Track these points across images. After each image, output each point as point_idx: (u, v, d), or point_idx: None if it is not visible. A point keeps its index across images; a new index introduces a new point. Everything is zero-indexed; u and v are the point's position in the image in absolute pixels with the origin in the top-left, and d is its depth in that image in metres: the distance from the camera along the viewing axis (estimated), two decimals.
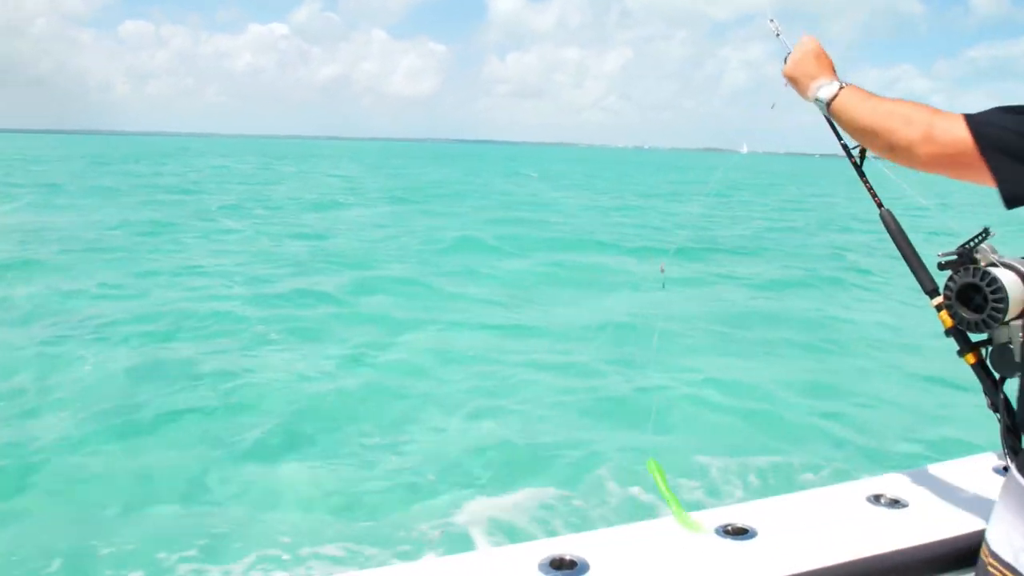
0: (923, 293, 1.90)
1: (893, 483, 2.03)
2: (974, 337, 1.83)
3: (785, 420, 8.09)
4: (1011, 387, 1.80)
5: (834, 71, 1.71)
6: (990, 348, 1.81)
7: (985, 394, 1.83)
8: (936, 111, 1.48)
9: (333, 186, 42.35)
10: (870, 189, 1.98)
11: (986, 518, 1.71)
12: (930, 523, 1.83)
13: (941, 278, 1.86)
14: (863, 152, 1.98)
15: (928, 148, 1.44)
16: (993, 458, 2.16)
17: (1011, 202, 1.40)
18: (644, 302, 12.76)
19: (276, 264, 16.70)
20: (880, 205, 1.97)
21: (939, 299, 1.83)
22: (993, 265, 1.77)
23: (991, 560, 1.51)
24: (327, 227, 23.48)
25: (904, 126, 1.47)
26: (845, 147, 1.99)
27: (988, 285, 1.75)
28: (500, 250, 19.44)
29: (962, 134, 1.40)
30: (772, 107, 2.01)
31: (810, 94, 1.71)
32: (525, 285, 15.08)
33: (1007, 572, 1.46)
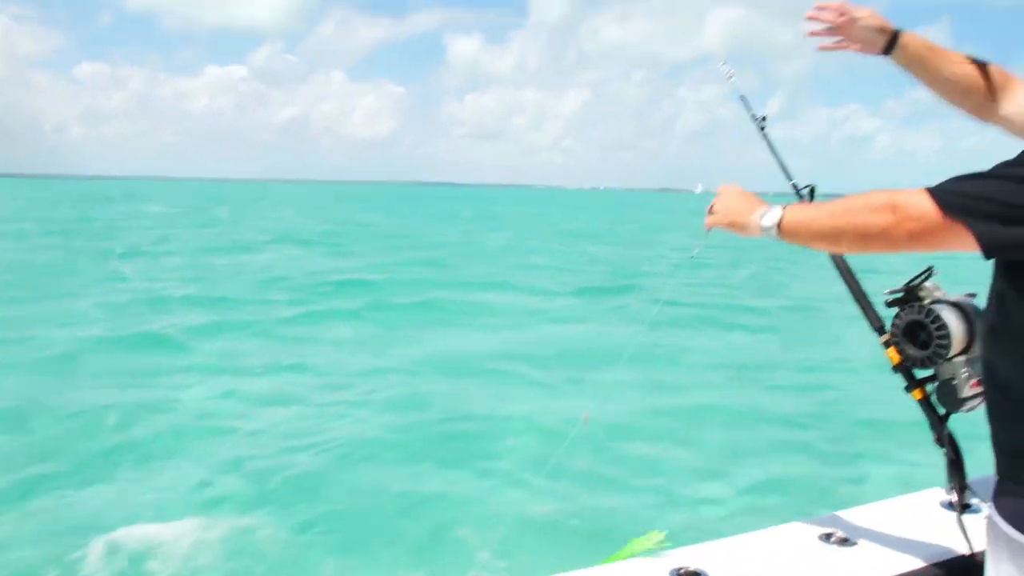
0: (872, 330, 1.94)
1: (843, 521, 2.05)
2: (920, 373, 1.87)
3: (734, 458, 8.14)
4: (956, 422, 1.84)
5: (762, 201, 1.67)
6: (936, 384, 1.84)
7: (931, 429, 1.86)
8: (891, 190, 1.48)
9: (257, 229, 41.41)
10: None
11: (934, 554, 1.73)
12: (879, 561, 1.85)
13: (889, 316, 1.90)
14: (812, 191, 2.03)
15: (905, 226, 1.42)
16: (940, 493, 2.19)
17: (991, 251, 1.39)
18: (510, 339, 12.73)
19: (141, 308, 16.36)
20: None
21: (886, 336, 1.87)
22: (937, 302, 1.82)
23: None
24: (218, 271, 23.11)
25: (870, 215, 1.46)
26: (795, 186, 2.04)
27: (932, 322, 1.80)
28: (381, 290, 19.14)
29: (927, 205, 1.40)
30: (692, 255, 2.10)
31: (754, 227, 1.64)
32: (390, 325, 14.95)
33: None
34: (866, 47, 1.93)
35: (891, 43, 1.90)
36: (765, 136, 2.08)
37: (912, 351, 1.83)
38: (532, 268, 24.45)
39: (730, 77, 2.08)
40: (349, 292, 18.76)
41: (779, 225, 1.58)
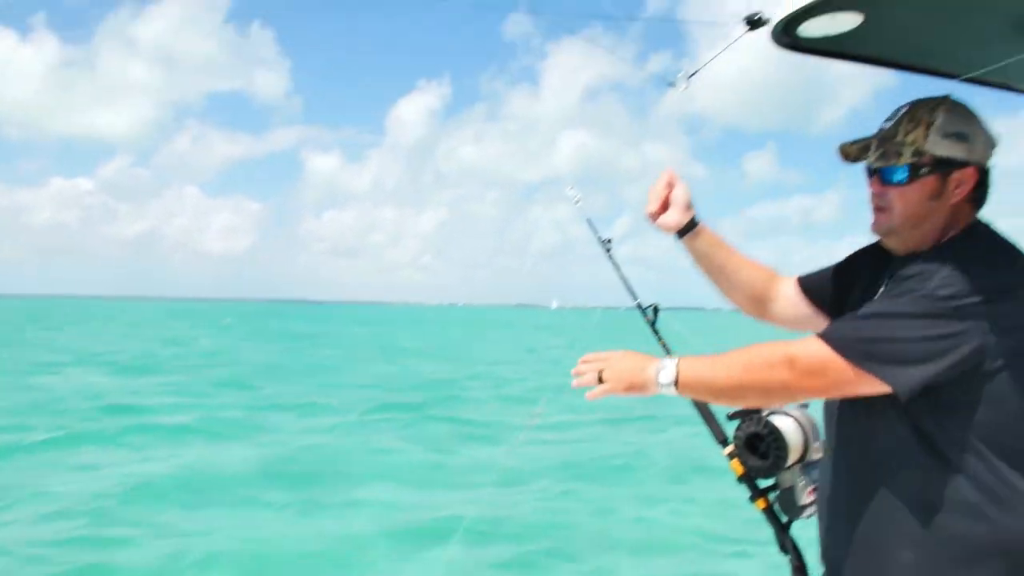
0: (716, 443, 2.01)
1: None
2: (763, 483, 1.95)
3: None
4: (798, 528, 1.92)
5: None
6: (777, 493, 1.92)
7: (776, 537, 1.93)
8: (785, 343, 1.49)
9: (57, 349, 36.93)
10: (662, 342, 2.12)
11: None
12: None
13: (731, 428, 1.99)
14: (655, 310, 2.13)
15: (806, 382, 1.45)
16: None
17: (910, 394, 1.42)
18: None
19: None
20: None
21: (730, 448, 1.95)
22: (774, 414, 1.92)
23: None
24: None
25: (770, 371, 1.47)
26: (639, 305, 2.14)
27: (770, 433, 1.89)
28: (151, 412, 17.48)
29: (826, 354, 1.43)
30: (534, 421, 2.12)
31: (652, 386, 1.59)
32: (139, 447, 13.48)
33: None
34: (667, 222, 1.97)
35: (688, 227, 1.96)
36: (611, 258, 2.18)
37: (753, 461, 1.91)
38: (337, 386, 23.38)
39: (577, 202, 2.19)
40: (113, 415, 17.21)
41: (676, 382, 1.55)
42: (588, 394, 1.64)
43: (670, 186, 1.94)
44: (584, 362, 1.71)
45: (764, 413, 1.91)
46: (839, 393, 1.49)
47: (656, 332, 2.12)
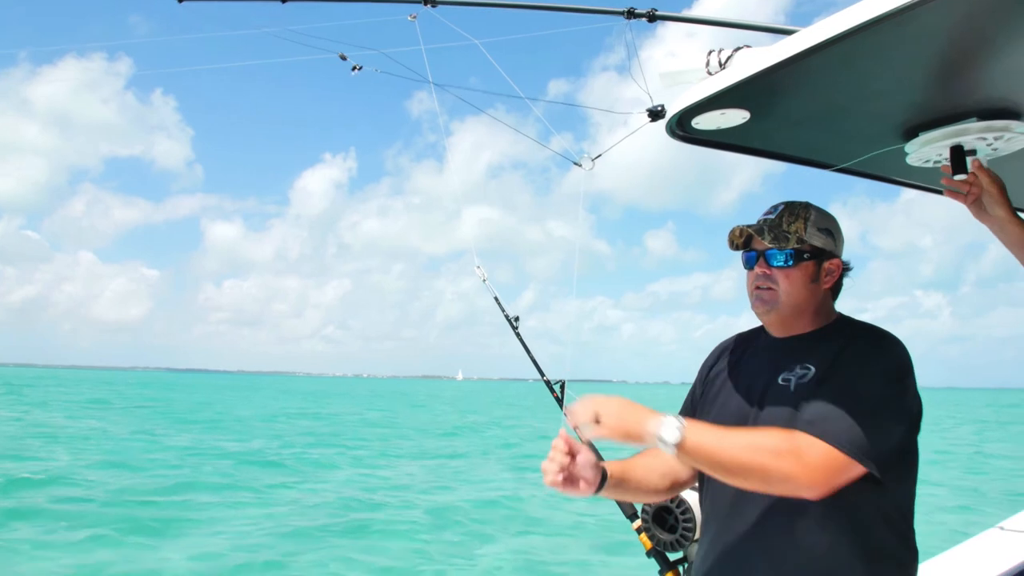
0: (625, 517, 2.04)
1: None
2: (672, 556, 1.99)
3: None
4: None
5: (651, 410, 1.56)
6: (687, 565, 1.96)
7: None
8: (791, 434, 1.50)
9: None
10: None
11: None
12: None
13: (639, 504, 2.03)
14: (563, 386, 2.17)
15: (808, 476, 1.46)
16: None
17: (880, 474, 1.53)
18: None
19: None
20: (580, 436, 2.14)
21: (638, 522, 1.99)
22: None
23: None
24: None
25: (776, 459, 1.47)
26: (548, 383, 2.18)
27: (678, 507, 1.94)
28: None
29: (826, 449, 1.46)
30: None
31: (651, 438, 1.51)
32: None
33: None
34: (583, 492, 1.70)
35: (602, 482, 1.73)
36: (519, 335, 2.23)
37: (662, 535, 1.96)
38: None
39: (484, 280, 2.23)
40: None
41: (679, 443, 1.49)
42: (585, 435, 1.56)
43: (571, 455, 1.66)
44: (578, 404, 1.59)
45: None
46: (834, 488, 1.49)
47: (563, 408, 2.15)
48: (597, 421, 1.54)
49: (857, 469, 1.46)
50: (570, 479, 1.65)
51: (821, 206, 1.74)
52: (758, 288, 1.73)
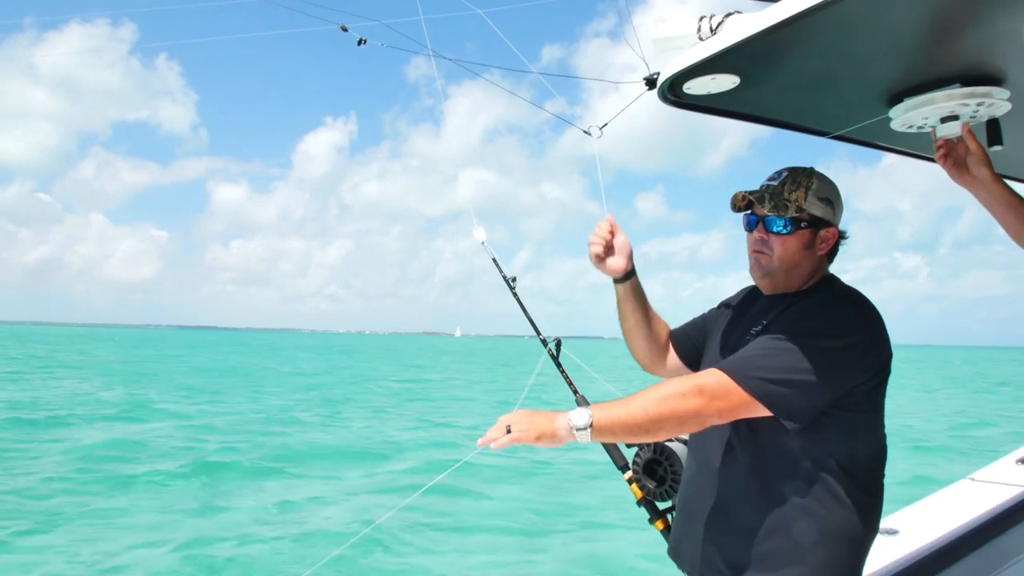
0: (616, 469, 2.12)
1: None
2: (662, 505, 2.08)
3: None
4: None
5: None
6: (675, 514, 2.05)
7: None
8: (690, 376, 1.65)
9: None
10: (566, 378, 2.23)
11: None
12: None
13: (631, 455, 2.11)
14: (559, 344, 2.24)
15: (714, 406, 1.58)
16: None
17: (795, 428, 1.61)
18: None
19: None
20: (575, 391, 2.23)
21: (629, 474, 2.07)
22: (670, 440, 2.05)
23: None
24: None
25: (684, 401, 1.58)
26: (543, 341, 2.24)
27: (666, 459, 2.03)
28: None
29: (730, 385, 1.59)
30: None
31: (564, 434, 1.59)
32: None
33: None
34: (614, 266, 2.00)
35: (629, 274, 2.01)
36: (516, 296, 2.29)
37: (651, 485, 2.04)
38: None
39: (483, 243, 2.29)
40: None
41: (592, 423, 1.57)
42: (494, 444, 1.61)
43: (612, 233, 1.98)
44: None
45: (661, 440, 2.04)
46: (741, 416, 1.62)
47: (559, 365, 2.23)
48: (508, 431, 1.61)
49: (744, 397, 1.58)
50: (608, 253, 1.98)
51: None
52: (756, 252, 1.81)
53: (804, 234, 1.76)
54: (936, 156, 1.93)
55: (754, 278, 1.85)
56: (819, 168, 1.78)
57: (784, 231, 1.76)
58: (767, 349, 1.63)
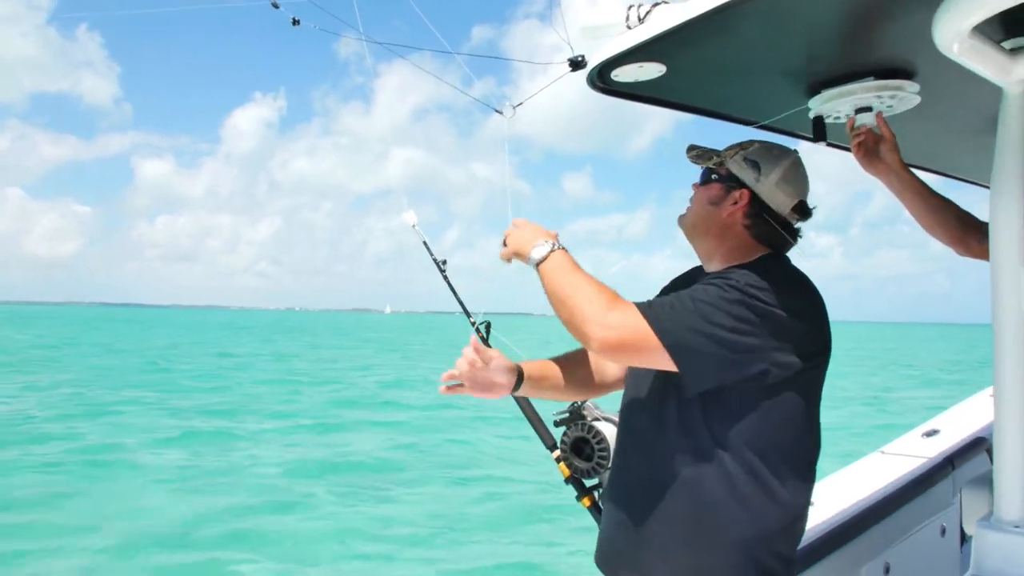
0: (545, 447, 2.16)
1: None
2: (589, 483, 2.12)
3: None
4: None
5: (550, 235, 1.73)
6: (601, 491, 2.10)
7: None
8: (614, 299, 1.59)
9: None
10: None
11: None
12: None
13: (558, 434, 2.15)
14: (488, 326, 2.26)
15: (601, 335, 1.55)
16: None
17: (696, 392, 1.60)
18: None
19: None
20: None
21: (557, 452, 2.11)
22: (597, 420, 2.10)
23: None
24: None
25: (583, 307, 1.56)
26: (474, 324, 2.25)
27: (594, 437, 2.07)
28: None
29: (640, 325, 1.53)
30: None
31: (528, 257, 1.72)
32: None
33: None
34: (500, 383, 1.87)
35: (518, 382, 1.90)
36: (446, 279, 2.29)
37: (579, 463, 2.08)
38: None
39: (413, 226, 2.28)
40: None
41: (539, 263, 1.69)
42: (501, 253, 1.78)
43: (484, 362, 1.84)
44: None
45: (589, 419, 2.08)
46: (631, 357, 1.61)
47: (489, 347, 2.25)
48: (505, 243, 1.76)
49: (653, 342, 1.53)
50: (484, 385, 1.84)
51: None
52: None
53: (713, 187, 1.77)
54: (851, 145, 2.02)
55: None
56: None
57: (700, 182, 1.81)
58: (684, 301, 1.58)
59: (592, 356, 2.05)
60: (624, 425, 1.89)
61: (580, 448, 2.09)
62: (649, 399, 1.75)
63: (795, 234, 1.78)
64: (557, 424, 2.13)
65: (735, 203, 1.74)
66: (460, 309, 2.31)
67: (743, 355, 1.55)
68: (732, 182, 1.75)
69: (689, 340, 1.54)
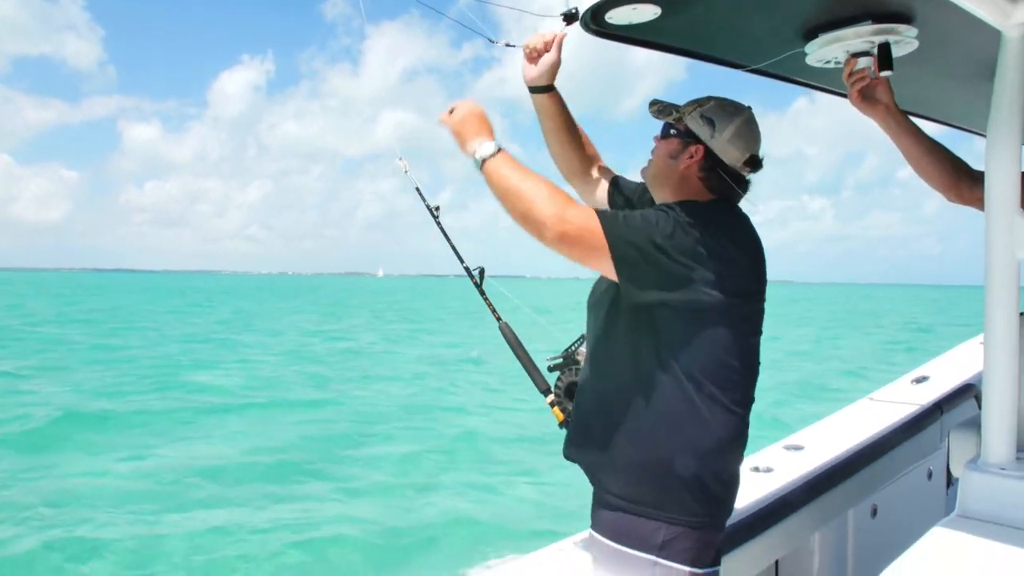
0: (539, 393, 2.18)
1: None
2: None
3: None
4: None
5: (492, 134, 1.82)
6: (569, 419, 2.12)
7: None
8: (570, 200, 1.70)
9: None
10: (489, 304, 2.27)
11: None
12: None
13: (552, 379, 2.17)
14: (482, 272, 2.27)
15: (559, 227, 1.65)
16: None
17: (632, 304, 1.72)
18: None
19: None
20: (499, 318, 2.26)
21: (551, 397, 2.13)
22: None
23: None
24: None
25: (542, 201, 1.66)
26: (467, 269, 2.26)
27: None
28: None
29: (594, 225, 1.66)
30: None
31: (469, 149, 1.80)
32: None
33: None
34: (541, 72, 2.03)
35: (549, 87, 2.07)
36: (439, 224, 2.29)
37: (572, 407, 2.10)
38: None
39: (405, 171, 2.27)
40: None
41: (485, 161, 1.75)
42: (440, 116, 1.89)
43: (549, 47, 1.98)
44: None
45: (582, 364, 2.10)
46: (581, 253, 1.69)
47: (483, 293, 2.26)
48: (451, 112, 1.85)
49: (600, 242, 1.65)
50: (539, 61, 1.99)
51: None
52: None
53: (672, 142, 1.86)
54: (848, 90, 2.01)
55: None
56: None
57: (659, 136, 1.89)
58: (634, 218, 1.71)
59: (592, 163, 2.21)
60: (589, 354, 1.97)
61: (573, 393, 2.10)
62: (603, 323, 1.86)
63: (746, 185, 1.87)
64: (551, 369, 2.14)
65: (691, 157, 1.84)
66: (453, 271, 2.32)
67: (675, 278, 1.67)
68: (689, 137, 1.83)
69: (630, 253, 1.67)
